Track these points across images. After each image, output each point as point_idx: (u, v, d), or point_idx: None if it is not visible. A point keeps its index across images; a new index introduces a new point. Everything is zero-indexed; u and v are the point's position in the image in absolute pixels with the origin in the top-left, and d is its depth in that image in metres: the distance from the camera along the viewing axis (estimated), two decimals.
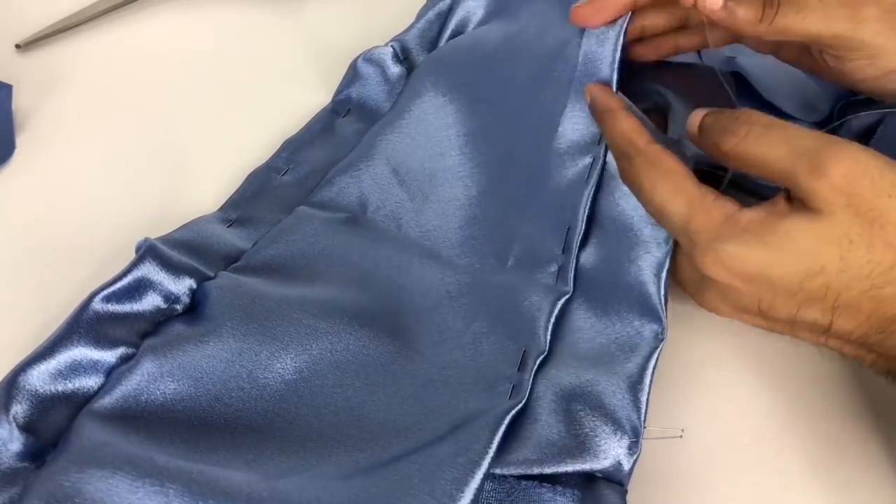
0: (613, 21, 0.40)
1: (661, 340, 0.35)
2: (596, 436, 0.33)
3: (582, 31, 0.41)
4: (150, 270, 0.36)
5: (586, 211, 0.39)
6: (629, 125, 0.36)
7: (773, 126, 0.32)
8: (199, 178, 0.45)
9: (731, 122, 0.33)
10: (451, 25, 0.49)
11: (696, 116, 0.35)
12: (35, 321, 0.37)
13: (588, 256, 0.39)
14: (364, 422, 0.34)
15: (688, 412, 0.37)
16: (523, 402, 0.34)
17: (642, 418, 0.34)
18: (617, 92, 0.40)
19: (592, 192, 0.39)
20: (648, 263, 0.37)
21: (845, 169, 0.30)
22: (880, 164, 0.30)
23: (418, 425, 0.34)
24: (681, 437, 0.35)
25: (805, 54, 0.40)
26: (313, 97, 0.49)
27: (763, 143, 0.32)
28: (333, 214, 0.41)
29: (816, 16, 0.36)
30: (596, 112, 0.38)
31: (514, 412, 0.33)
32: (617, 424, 0.33)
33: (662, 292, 0.37)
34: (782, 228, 0.31)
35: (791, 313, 0.31)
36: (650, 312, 0.36)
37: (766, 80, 0.46)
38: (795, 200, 0.31)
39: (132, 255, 0.37)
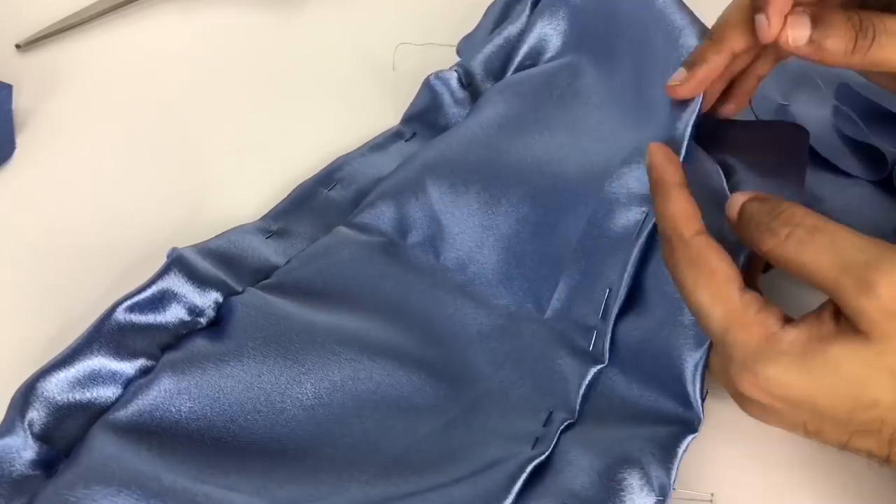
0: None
1: (695, 432, 0.33)
2: (622, 490, 0.31)
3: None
4: (174, 282, 0.35)
5: (631, 275, 0.36)
6: (678, 207, 0.32)
7: (817, 230, 0.29)
8: (198, 178, 0.45)
9: (772, 220, 0.30)
10: (520, 55, 0.46)
11: (737, 201, 0.32)
12: (34, 320, 0.37)
13: (628, 325, 0.36)
14: (380, 456, 0.33)
15: (716, 479, 0.35)
16: (547, 453, 0.32)
17: (672, 479, 0.32)
18: (683, 161, 0.35)
19: (640, 253, 0.36)
20: (687, 352, 0.34)
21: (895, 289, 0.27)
22: None
23: (435, 466, 0.33)
24: (710, 502, 0.33)
25: None
26: (313, 97, 0.48)
27: (806, 249, 0.28)
28: (372, 238, 0.40)
29: None
30: (650, 179, 0.34)
31: (536, 462, 0.32)
32: (645, 479, 0.32)
33: (698, 384, 0.34)
34: (828, 355, 0.28)
35: (842, 440, 0.29)
36: (685, 402, 0.34)
37: (819, 132, 0.43)
38: (843, 318, 0.28)
39: (130, 255, 0.37)
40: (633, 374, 0.36)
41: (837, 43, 0.32)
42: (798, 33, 0.32)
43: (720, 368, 0.31)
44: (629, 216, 0.37)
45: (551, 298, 0.38)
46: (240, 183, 0.44)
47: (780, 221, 0.29)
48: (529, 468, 0.32)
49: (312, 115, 0.47)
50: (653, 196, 0.33)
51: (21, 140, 0.45)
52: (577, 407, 0.35)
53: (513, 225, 0.40)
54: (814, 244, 0.28)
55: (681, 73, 0.35)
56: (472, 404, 0.35)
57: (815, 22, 0.32)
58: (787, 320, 0.30)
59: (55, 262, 0.41)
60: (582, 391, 0.35)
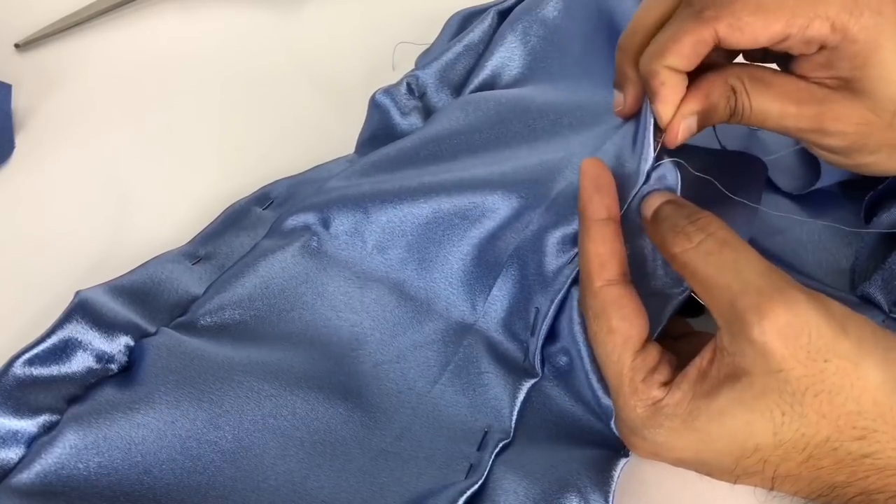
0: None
1: (627, 456, 0.32)
2: None
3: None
4: (77, 330, 0.33)
5: (558, 303, 0.33)
6: (593, 250, 0.30)
7: (726, 245, 0.28)
8: (199, 177, 0.44)
9: (688, 224, 0.28)
10: (483, 74, 0.44)
11: (654, 201, 0.30)
12: (34, 320, 0.36)
13: (558, 349, 0.34)
14: (306, 499, 0.31)
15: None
16: (480, 482, 0.30)
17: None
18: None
19: (571, 283, 0.33)
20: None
21: (783, 324, 0.26)
22: (821, 320, 0.26)
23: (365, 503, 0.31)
24: None
25: None
26: (312, 97, 0.48)
27: (711, 262, 0.27)
28: (292, 242, 0.38)
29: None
30: (578, 205, 0.32)
31: (469, 493, 0.30)
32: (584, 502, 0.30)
33: None
34: (712, 408, 0.27)
35: (730, 481, 0.29)
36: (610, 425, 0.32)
37: (788, 160, 0.40)
38: (724, 362, 0.27)
39: (132, 254, 0.37)
40: (565, 387, 0.34)
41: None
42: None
43: (617, 420, 0.30)
44: (568, 236, 0.34)
45: (485, 300, 0.36)
46: (240, 182, 0.43)
47: (697, 227, 0.28)
48: (462, 500, 0.30)
49: (312, 114, 0.47)
50: (579, 226, 0.32)
51: (21, 140, 0.45)
52: (513, 426, 0.33)
53: (446, 218, 0.36)
54: (720, 258, 0.27)
55: (617, 96, 0.33)
56: (403, 431, 0.33)
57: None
58: (675, 373, 0.29)
59: (54, 261, 0.40)
60: (517, 409, 0.33)
